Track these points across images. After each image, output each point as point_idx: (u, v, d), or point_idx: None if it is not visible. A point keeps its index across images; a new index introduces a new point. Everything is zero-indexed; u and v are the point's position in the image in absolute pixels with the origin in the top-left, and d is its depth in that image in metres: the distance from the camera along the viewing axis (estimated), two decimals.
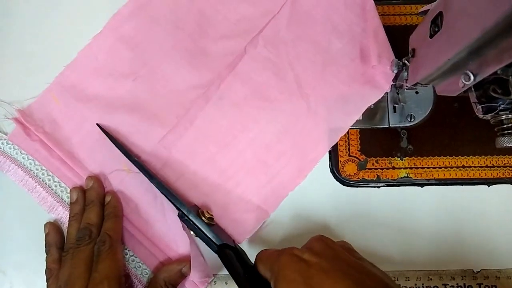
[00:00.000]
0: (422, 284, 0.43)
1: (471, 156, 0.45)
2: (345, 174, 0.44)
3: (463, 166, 0.45)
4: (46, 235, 0.43)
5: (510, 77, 0.26)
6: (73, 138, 0.45)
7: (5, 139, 0.45)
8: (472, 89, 0.30)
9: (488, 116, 0.30)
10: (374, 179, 0.44)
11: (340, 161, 0.45)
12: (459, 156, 0.45)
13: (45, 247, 0.43)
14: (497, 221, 0.44)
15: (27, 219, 0.45)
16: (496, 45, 0.24)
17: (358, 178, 0.44)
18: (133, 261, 0.43)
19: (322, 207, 0.45)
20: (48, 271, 0.40)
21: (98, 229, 0.41)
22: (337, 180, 0.45)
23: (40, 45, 0.48)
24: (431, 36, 0.31)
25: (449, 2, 0.28)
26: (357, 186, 0.45)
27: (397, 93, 0.45)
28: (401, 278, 0.43)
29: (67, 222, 0.43)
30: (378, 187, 0.45)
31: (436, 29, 0.30)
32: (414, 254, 0.44)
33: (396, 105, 0.45)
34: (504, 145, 0.30)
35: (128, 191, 0.44)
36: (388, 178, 0.44)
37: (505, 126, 0.30)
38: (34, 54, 0.48)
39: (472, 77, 0.27)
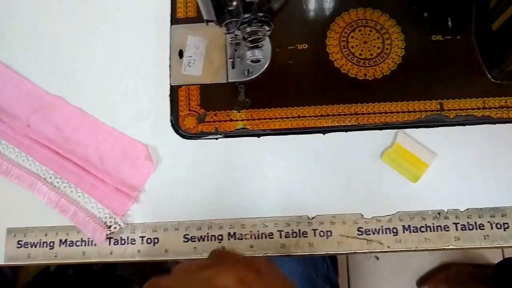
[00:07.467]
0: (258, 231, 0.44)
1: (307, 107, 0.46)
2: (185, 128, 0.46)
3: (299, 116, 0.46)
4: None
5: None
6: None
7: None
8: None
9: (237, 32, 0.32)
10: (213, 131, 0.46)
11: (181, 116, 0.47)
12: (295, 107, 0.46)
13: None
14: (331, 168, 0.45)
15: None
16: None
17: (197, 131, 0.46)
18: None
19: (163, 161, 0.46)
20: None
21: None
22: (177, 134, 0.46)
23: None
24: None
25: None
26: (196, 139, 0.46)
27: (235, 50, 0.47)
28: (236, 226, 0.44)
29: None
30: (216, 138, 0.46)
31: None
32: (249, 202, 0.45)
33: (233, 60, 0.47)
34: (250, 58, 0.32)
35: (54, 126, 0.47)
36: (226, 130, 0.46)
37: (250, 39, 0.32)
38: None
39: None
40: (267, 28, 0.32)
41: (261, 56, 0.32)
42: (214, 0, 0.31)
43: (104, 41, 0.49)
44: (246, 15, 0.31)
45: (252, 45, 0.32)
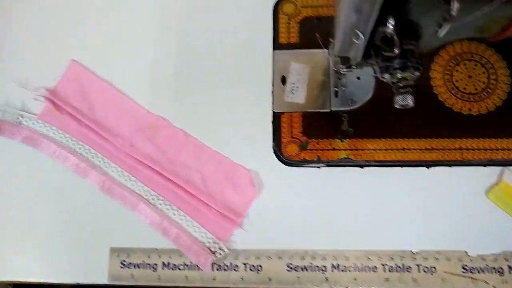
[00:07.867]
0: (361, 263, 0.44)
1: (411, 139, 0.46)
2: (287, 155, 0.46)
3: (403, 149, 0.46)
4: None
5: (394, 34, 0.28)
6: (97, 106, 0.49)
7: (35, 119, 0.50)
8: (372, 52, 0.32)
9: (387, 77, 0.32)
10: (315, 159, 0.46)
11: (283, 142, 0.47)
12: (399, 139, 0.46)
13: None
14: (436, 202, 0.45)
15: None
16: None
17: (299, 158, 0.46)
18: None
19: (265, 186, 0.46)
20: None
21: None
22: (279, 160, 0.47)
23: (58, 25, 0.52)
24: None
25: None
26: (298, 166, 0.46)
27: (339, 79, 0.47)
28: (340, 258, 0.44)
29: (101, 186, 0.47)
30: (318, 167, 0.46)
31: None
32: (354, 234, 0.45)
33: (337, 89, 0.47)
34: (399, 103, 0.32)
35: (157, 147, 0.47)
36: (329, 158, 0.46)
37: (400, 84, 0.32)
38: (54, 36, 0.52)
39: (361, 36, 0.30)
40: (417, 73, 0.31)
41: (411, 102, 0.32)
42: (369, 44, 0.31)
43: (207, 65, 0.49)
44: (399, 61, 0.31)
45: (403, 90, 0.32)
